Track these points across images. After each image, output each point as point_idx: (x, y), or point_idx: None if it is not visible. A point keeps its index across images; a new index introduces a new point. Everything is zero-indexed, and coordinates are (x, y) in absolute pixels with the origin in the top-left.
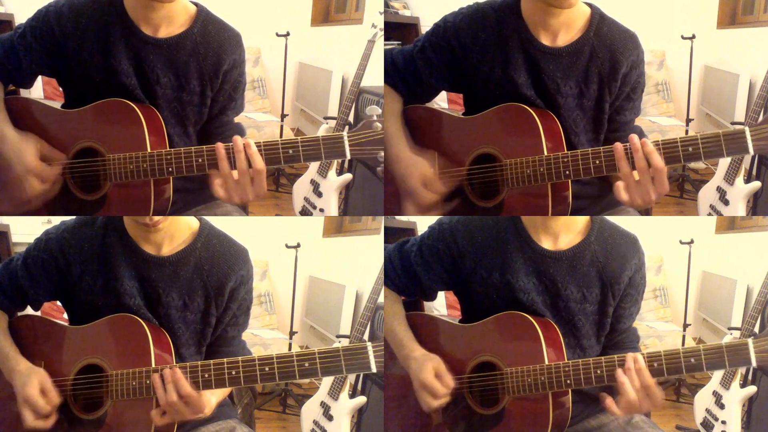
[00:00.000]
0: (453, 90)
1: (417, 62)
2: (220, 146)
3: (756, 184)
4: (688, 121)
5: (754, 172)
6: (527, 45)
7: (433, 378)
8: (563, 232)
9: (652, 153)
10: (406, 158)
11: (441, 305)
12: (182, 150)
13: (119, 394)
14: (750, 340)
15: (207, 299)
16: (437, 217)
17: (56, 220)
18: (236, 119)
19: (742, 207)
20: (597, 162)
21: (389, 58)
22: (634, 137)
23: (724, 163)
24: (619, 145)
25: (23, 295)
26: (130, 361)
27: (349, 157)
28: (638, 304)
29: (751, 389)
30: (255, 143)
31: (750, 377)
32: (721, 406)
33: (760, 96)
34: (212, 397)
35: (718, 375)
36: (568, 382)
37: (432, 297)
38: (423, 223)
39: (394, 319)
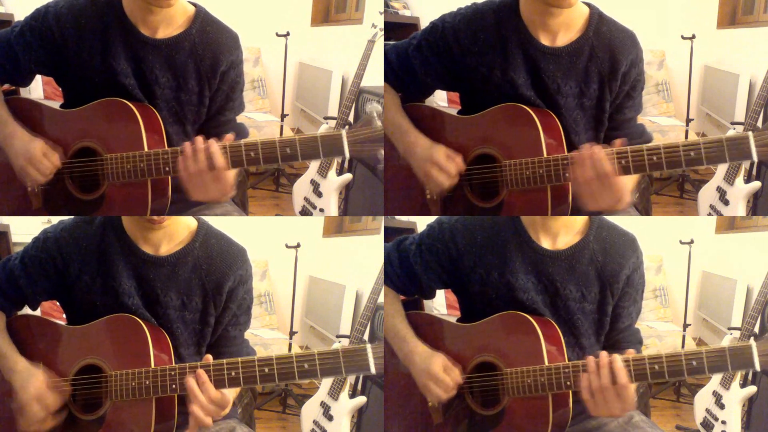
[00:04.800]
0: (449, 89)
1: (412, 60)
2: (186, 145)
3: (756, 184)
4: (688, 121)
5: (754, 172)
6: (527, 45)
7: (443, 371)
8: (562, 232)
9: (618, 370)
10: (424, 142)
11: (441, 305)
12: (179, 149)
13: (118, 395)
14: (753, 343)
15: (205, 299)
16: (436, 217)
17: (56, 220)
18: (237, 119)
19: (742, 207)
20: None
21: (385, 54)
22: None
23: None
24: (590, 362)
25: (21, 294)
26: (129, 361)
27: (348, 155)
28: (638, 304)
29: (751, 389)
30: (250, 142)
31: (750, 377)
32: (721, 406)
33: (760, 96)
34: (229, 395)
35: (718, 375)
36: (568, 383)
37: (431, 295)
38: (423, 224)
39: (396, 316)
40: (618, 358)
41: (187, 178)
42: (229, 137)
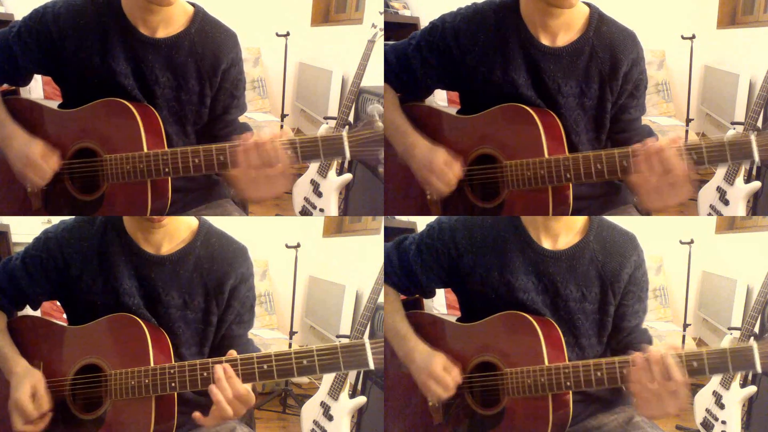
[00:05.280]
0: (449, 89)
1: (412, 60)
2: (247, 137)
3: (756, 184)
4: (688, 121)
5: (754, 172)
6: (527, 45)
7: (443, 370)
8: (563, 232)
9: (671, 366)
10: (423, 145)
11: (441, 305)
12: (179, 150)
13: (118, 394)
14: (755, 345)
15: (207, 298)
16: (436, 217)
17: (56, 220)
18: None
19: (742, 207)
20: (599, 166)
21: (384, 54)
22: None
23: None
24: (639, 358)
25: (22, 294)
26: (129, 360)
27: (348, 157)
28: (643, 303)
29: (751, 389)
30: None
31: (750, 377)
32: (721, 406)
33: (760, 96)
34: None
35: (718, 375)
36: (568, 383)
37: (431, 294)
38: (423, 224)
39: (396, 315)
40: (669, 354)
41: (246, 173)
42: (286, 131)
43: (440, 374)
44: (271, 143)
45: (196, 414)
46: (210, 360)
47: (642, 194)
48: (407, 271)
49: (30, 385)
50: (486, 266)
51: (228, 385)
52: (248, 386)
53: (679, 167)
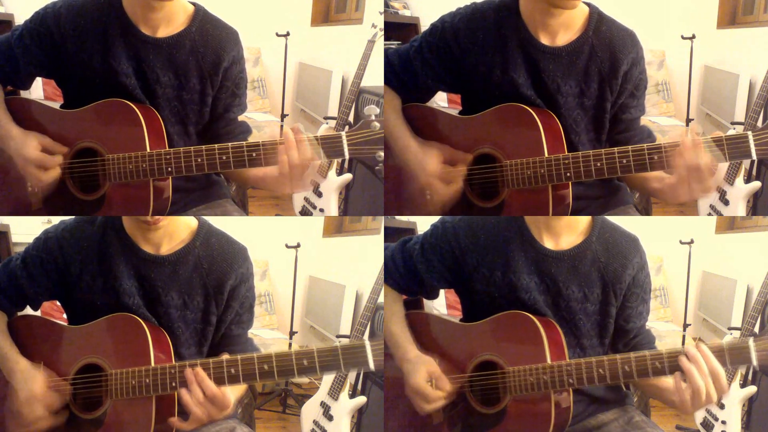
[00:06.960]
0: (450, 90)
1: (413, 62)
2: (288, 133)
3: (756, 184)
4: (688, 121)
5: (754, 172)
6: (527, 45)
7: (425, 383)
8: (565, 232)
9: (719, 368)
10: (415, 150)
11: (441, 305)
12: (181, 150)
13: (118, 394)
14: (751, 340)
15: (207, 298)
16: (439, 216)
17: (56, 220)
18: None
19: (742, 207)
20: (598, 164)
21: (386, 57)
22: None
23: (724, 162)
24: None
25: (22, 294)
26: (129, 360)
27: (347, 156)
28: (647, 304)
29: (751, 389)
30: (252, 143)
31: (750, 377)
32: (721, 406)
33: (760, 96)
34: (231, 397)
35: None
36: (571, 381)
37: (433, 295)
38: (423, 223)
39: (393, 319)
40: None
41: (286, 169)
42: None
43: (421, 387)
44: (306, 140)
45: (173, 419)
46: (211, 360)
47: (676, 185)
48: (411, 272)
49: (36, 386)
50: (489, 266)
51: (198, 388)
52: (230, 389)
53: (710, 161)
